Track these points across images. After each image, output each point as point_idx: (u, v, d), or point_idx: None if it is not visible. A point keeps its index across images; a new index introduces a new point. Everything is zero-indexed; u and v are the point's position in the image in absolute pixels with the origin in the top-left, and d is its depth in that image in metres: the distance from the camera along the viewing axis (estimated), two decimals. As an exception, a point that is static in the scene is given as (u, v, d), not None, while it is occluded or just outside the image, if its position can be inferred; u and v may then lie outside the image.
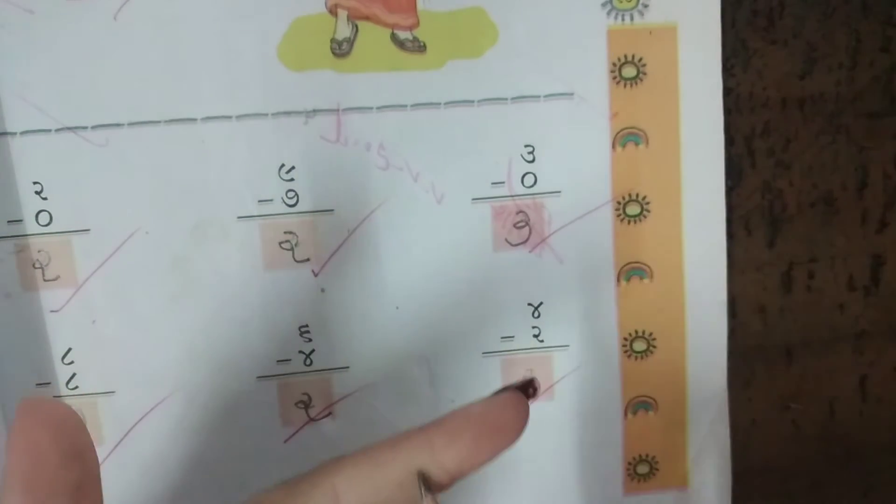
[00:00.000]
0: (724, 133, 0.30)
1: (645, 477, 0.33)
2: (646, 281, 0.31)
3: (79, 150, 0.28)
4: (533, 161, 0.30)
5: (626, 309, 0.31)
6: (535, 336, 0.31)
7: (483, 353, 0.31)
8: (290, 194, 0.29)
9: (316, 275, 0.30)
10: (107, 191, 0.28)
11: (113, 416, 0.30)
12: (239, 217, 0.29)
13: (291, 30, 0.28)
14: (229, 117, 0.28)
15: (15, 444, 0.18)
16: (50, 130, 0.28)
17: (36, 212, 0.28)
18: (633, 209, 0.30)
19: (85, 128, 0.28)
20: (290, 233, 0.29)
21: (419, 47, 0.29)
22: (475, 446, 0.20)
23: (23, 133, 0.28)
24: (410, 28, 0.29)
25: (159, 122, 0.28)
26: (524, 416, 0.20)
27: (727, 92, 0.30)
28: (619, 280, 0.31)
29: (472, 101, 0.29)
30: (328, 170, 0.29)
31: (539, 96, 0.29)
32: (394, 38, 0.29)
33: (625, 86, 0.30)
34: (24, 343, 0.29)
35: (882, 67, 0.31)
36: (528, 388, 0.21)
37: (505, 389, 0.21)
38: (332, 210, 0.29)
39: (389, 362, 0.31)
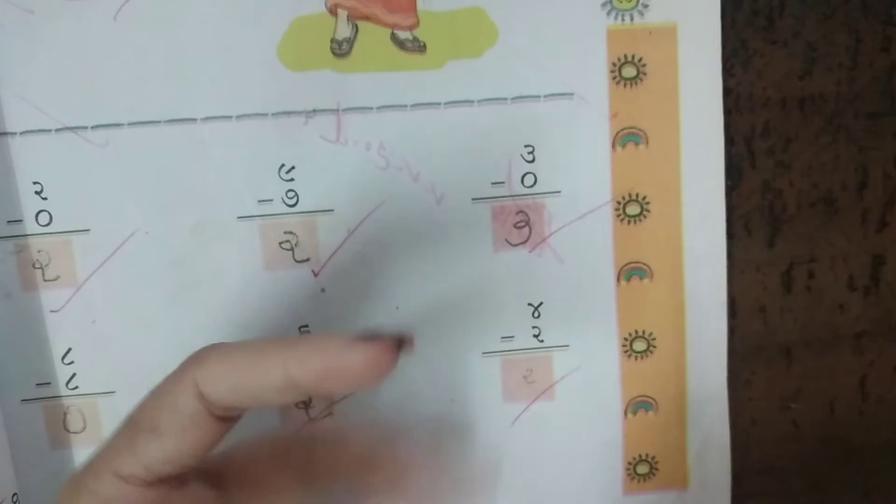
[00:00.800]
0: (724, 133, 0.30)
1: (645, 477, 0.33)
2: (646, 281, 0.31)
3: (79, 150, 0.28)
4: (533, 161, 0.30)
5: (626, 309, 0.31)
6: (535, 336, 0.31)
7: (483, 353, 0.31)
8: (290, 194, 0.29)
9: (316, 275, 0.30)
10: (107, 191, 0.28)
11: (113, 416, 0.30)
12: (239, 217, 0.29)
13: (291, 30, 0.28)
14: (229, 117, 0.28)
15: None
16: (50, 130, 0.28)
17: (36, 212, 0.28)
18: (633, 209, 0.30)
19: (85, 128, 0.28)
20: (290, 233, 0.29)
21: (419, 47, 0.29)
22: (322, 379, 0.20)
23: (23, 133, 0.28)
24: (410, 28, 0.29)
25: (159, 122, 0.28)
26: (381, 368, 0.20)
27: (727, 92, 0.30)
28: (619, 280, 0.31)
29: (472, 101, 0.29)
30: (328, 170, 0.29)
31: (539, 96, 0.29)
32: (394, 38, 0.29)
33: (625, 86, 0.30)
34: (24, 343, 0.29)
35: (882, 67, 0.31)
36: (401, 343, 0.20)
37: (376, 336, 0.20)
38: (332, 210, 0.29)
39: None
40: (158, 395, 0.21)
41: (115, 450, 0.21)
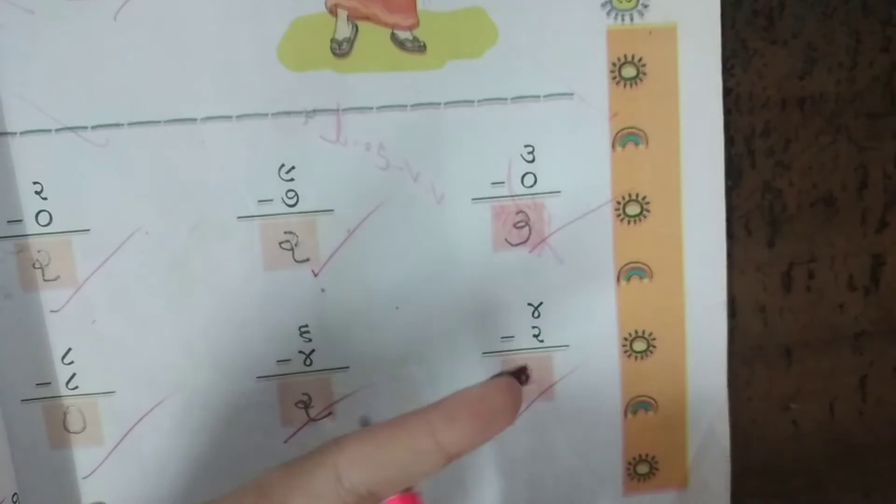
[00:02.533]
0: (724, 133, 0.30)
1: (645, 477, 0.33)
2: (646, 281, 0.31)
3: (79, 150, 0.28)
4: (533, 161, 0.30)
5: (626, 309, 0.31)
6: (535, 336, 0.31)
7: (483, 353, 0.31)
8: (290, 194, 0.29)
9: (316, 275, 0.30)
10: (107, 191, 0.28)
11: (113, 416, 0.30)
12: (239, 217, 0.29)
13: (291, 30, 0.28)
14: (229, 117, 0.28)
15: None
16: (50, 130, 0.28)
17: (36, 212, 0.28)
18: (633, 209, 0.30)
19: (85, 128, 0.28)
20: (290, 233, 0.29)
21: (419, 47, 0.29)
22: (472, 427, 0.21)
23: (23, 133, 0.28)
24: (410, 28, 0.29)
25: (159, 122, 0.28)
26: (517, 400, 0.21)
27: (727, 92, 0.30)
28: (618, 280, 0.31)
29: (472, 101, 0.29)
30: (328, 170, 0.29)
31: (539, 96, 0.29)
32: (394, 38, 0.29)
33: (625, 86, 0.30)
34: (24, 343, 0.29)
35: (882, 67, 0.31)
36: (521, 375, 0.22)
37: (500, 375, 0.22)
38: (332, 210, 0.29)
39: (389, 362, 0.31)
40: (294, 473, 0.21)
41: None
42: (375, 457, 0.20)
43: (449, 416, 0.21)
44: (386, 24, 0.28)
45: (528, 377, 0.22)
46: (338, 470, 0.20)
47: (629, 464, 0.32)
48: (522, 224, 0.30)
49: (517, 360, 0.31)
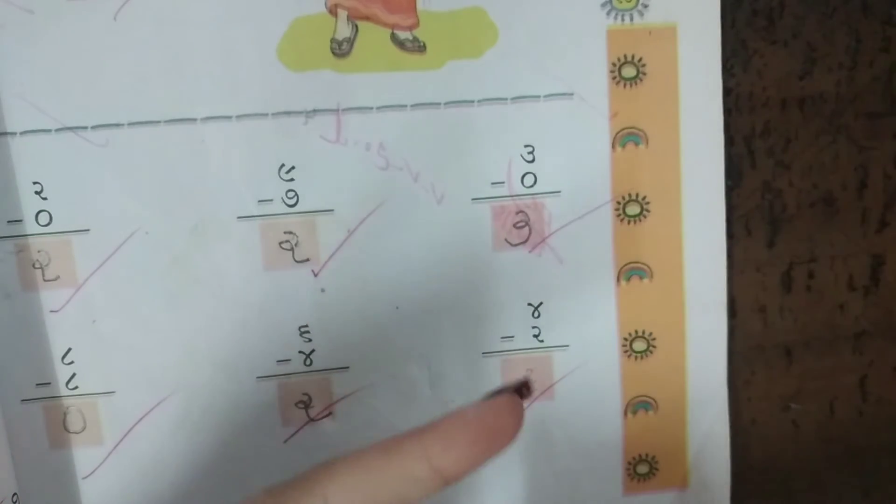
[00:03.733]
0: (724, 133, 0.30)
1: (645, 477, 0.33)
2: (646, 281, 0.31)
3: (79, 150, 0.28)
4: (533, 161, 0.30)
5: (626, 309, 0.31)
6: (535, 336, 0.31)
7: (483, 353, 0.31)
8: (290, 194, 0.29)
9: (316, 275, 0.30)
10: (107, 191, 0.28)
11: (113, 416, 0.30)
12: (239, 217, 0.29)
13: (291, 30, 0.28)
14: (229, 117, 0.28)
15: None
16: (50, 130, 0.28)
17: (36, 212, 0.28)
18: (632, 209, 0.30)
19: (85, 128, 0.28)
20: (290, 233, 0.29)
21: (419, 47, 0.29)
22: (470, 451, 0.20)
23: (23, 133, 0.28)
24: (410, 28, 0.29)
25: (159, 122, 0.28)
26: (519, 418, 0.20)
27: (727, 92, 0.30)
28: (618, 280, 0.31)
29: (472, 101, 0.29)
30: (328, 170, 0.29)
31: (539, 96, 0.29)
32: (394, 38, 0.29)
33: (625, 86, 0.30)
34: (24, 343, 0.29)
35: (882, 67, 0.31)
36: (522, 389, 0.21)
37: (499, 391, 0.21)
38: (332, 210, 0.29)
39: (389, 362, 0.31)
40: (290, 498, 0.20)
41: None
42: (366, 483, 0.20)
43: (446, 439, 0.20)
44: (386, 24, 0.28)
45: (530, 390, 0.21)
46: (326, 499, 0.19)
47: (629, 464, 0.32)
48: (522, 224, 0.30)
49: (517, 365, 0.31)
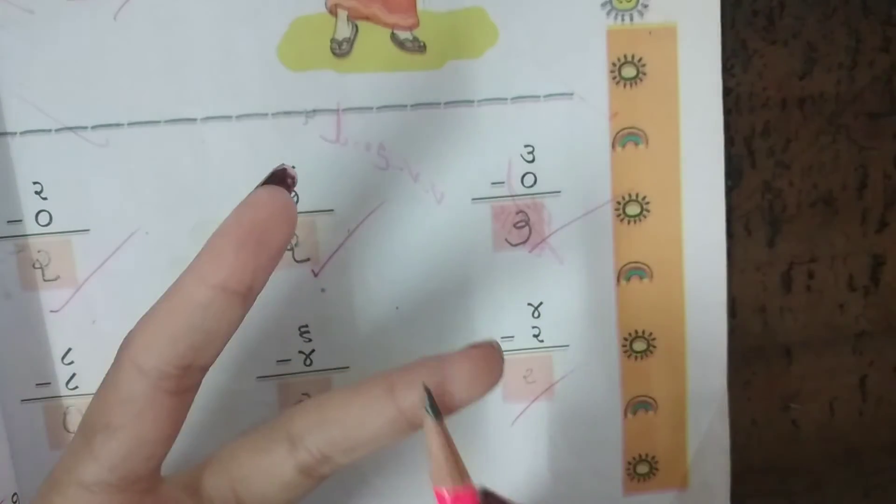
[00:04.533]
0: (724, 133, 0.30)
1: (645, 477, 0.33)
2: (646, 281, 0.31)
3: (79, 150, 0.28)
4: (533, 161, 0.30)
5: (626, 309, 0.31)
6: (535, 336, 0.31)
7: (483, 353, 0.31)
8: (291, 194, 0.29)
9: (316, 275, 0.30)
10: (107, 191, 0.28)
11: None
12: (239, 217, 0.29)
13: (291, 30, 0.28)
14: (229, 117, 0.28)
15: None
16: (50, 130, 0.28)
17: (36, 212, 0.28)
18: (633, 209, 0.30)
19: (85, 128, 0.28)
20: (290, 233, 0.29)
21: (419, 47, 0.29)
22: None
23: (23, 133, 0.28)
24: (410, 28, 0.29)
25: (159, 122, 0.28)
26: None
27: (727, 92, 0.30)
28: (619, 280, 0.31)
29: (472, 101, 0.29)
30: (328, 170, 0.29)
31: (539, 96, 0.29)
32: (394, 38, 0.29)
33: (624, 86, 0.30)
34: (24, 343, 0.29)
35: (882, 67, 0.31)
36: (285, 179, 0.21)
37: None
38: (332, 210, 0.29)
39: (389, 362, 0.30)
40: (102, 391, 0.20)
41: (74, 459, 0.19)
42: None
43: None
44: (386, 24, 0.28)
45: (293, 180, 0.20)
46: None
47: (629, 464, 0.32)
48: (522, 224, 0.30)
49: (517, 365, 0.31)
